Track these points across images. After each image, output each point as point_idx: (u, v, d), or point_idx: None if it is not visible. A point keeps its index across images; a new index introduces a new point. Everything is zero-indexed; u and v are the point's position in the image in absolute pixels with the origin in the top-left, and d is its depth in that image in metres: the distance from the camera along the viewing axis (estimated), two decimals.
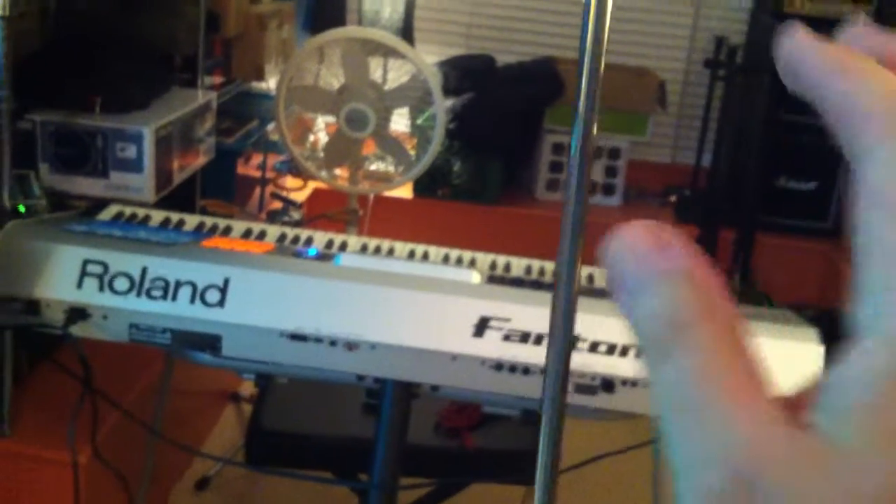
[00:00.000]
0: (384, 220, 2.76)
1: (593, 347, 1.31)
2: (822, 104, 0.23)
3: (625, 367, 1.30)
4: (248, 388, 2.42)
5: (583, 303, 1.39)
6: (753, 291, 2.31)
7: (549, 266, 1.60)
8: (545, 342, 1.30)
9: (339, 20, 3.47)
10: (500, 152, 3.35)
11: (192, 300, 1.30)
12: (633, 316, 0.23)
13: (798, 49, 0.23)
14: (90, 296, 1.30)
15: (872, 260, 0.20)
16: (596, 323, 1.31)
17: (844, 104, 0.22)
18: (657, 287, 0.22)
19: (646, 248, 0.23)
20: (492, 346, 1.31)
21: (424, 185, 3.29)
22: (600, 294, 1.50)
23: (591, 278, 1.59)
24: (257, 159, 2.85)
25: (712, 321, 0.22)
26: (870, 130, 0.21)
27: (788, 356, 1.27)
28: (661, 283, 0.22)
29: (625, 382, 1.30)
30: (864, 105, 0.22)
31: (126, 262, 1.31)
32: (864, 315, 0.20)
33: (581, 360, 1.30)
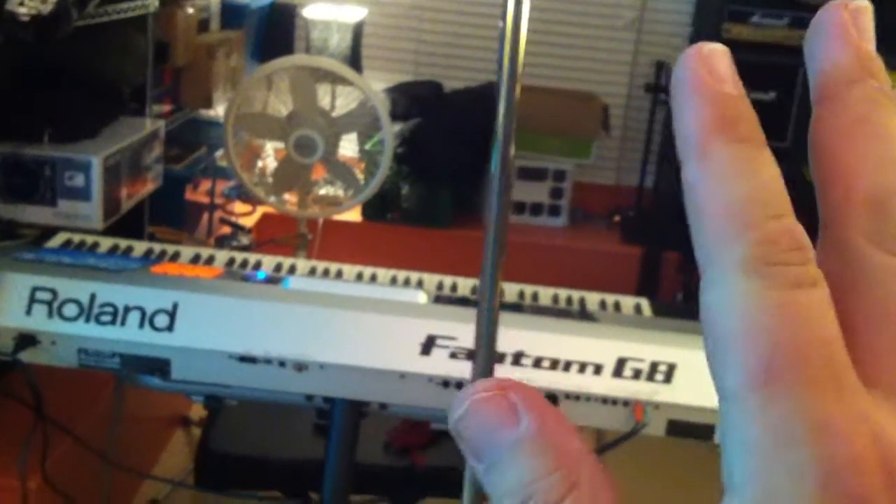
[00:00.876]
0: (334, 244, 2.78)
1: (537, 363, 1.35)
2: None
3: (567, 381, 1.34)
4: (197, 411, 2.42)
5: (527, 320, 1.43)
6: (694, 308, 2.36)
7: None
8: None
9: (287, 48, 3.50)
10: (448, 176, 3.39)
11: (141, 325, 1.31)
12: (492, 490, 0.21)
13: (677, 88, 0.22)
14: (39, 322, 1.31)
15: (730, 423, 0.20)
16: (539, 339, 1.35)
17: (691, 196, 0.21)
18: (511, 461, 0.21)
19: (492, 416, 0.21)
20: (439, 364, 1.34)
21: (374, 210, 3.32)
22: (542, 312, 1.54)
23: (535, 296, 1.63)
24: (206, 185, 2.86)
25: (576, 489, 0.21)
26: (715, 259, 0.20)
27: None
28: (513, 455, 0.21)
29: (568, 396, 1.34)
30: (711, 215, 0.21)
31: (75, 288, 1.33)
32: (728, 463, 0.20)
33: (525, 376, 1.34)
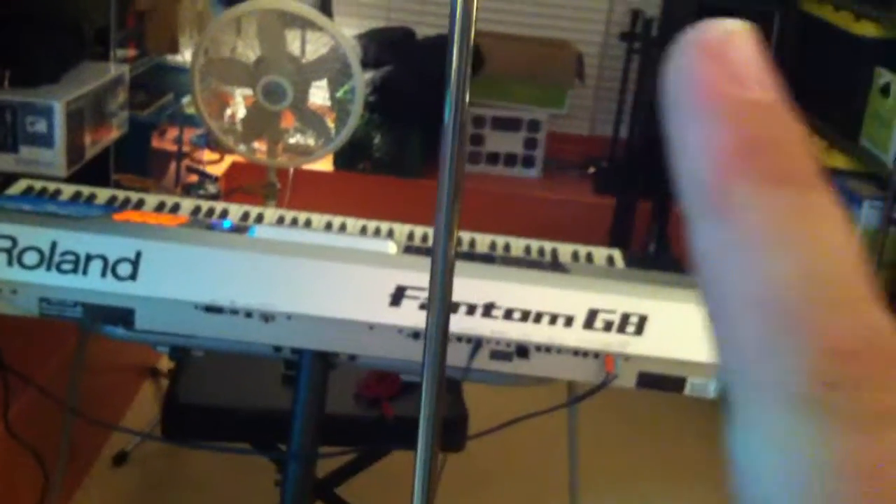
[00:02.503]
0: (305, 194, 2.75)
1: (508, 314, 1.33)
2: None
3: (538, 333, 1.32)
4: (166, 362, 2.40)
5: (498, 271, 1.41)
6: (667, 258, 2.36)
7: (467, 236, 1.62)
8: (460, 310, 1.32)
9: None
10: (420, 125, 3.35)
11: (104, 274, 1.28)
12: (683, 152, 0.15)
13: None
14: None
15: None
16: (510, 290, 1.34)
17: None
18: (731, 117, 0.14)
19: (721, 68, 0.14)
20: (409, 315, 1.32)
21: (345, 159, 3.28)
22: (514, 263, 1.52)
23: (507, 247, 1.61)
24: (173, 133, 2.81)
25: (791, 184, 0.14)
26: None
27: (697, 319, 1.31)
28: (738, 112, 0.14)
29: (538, 348, 1.33)
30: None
31: (35, 236, 1.30)
32: None
33: (495, 327, 1.33)
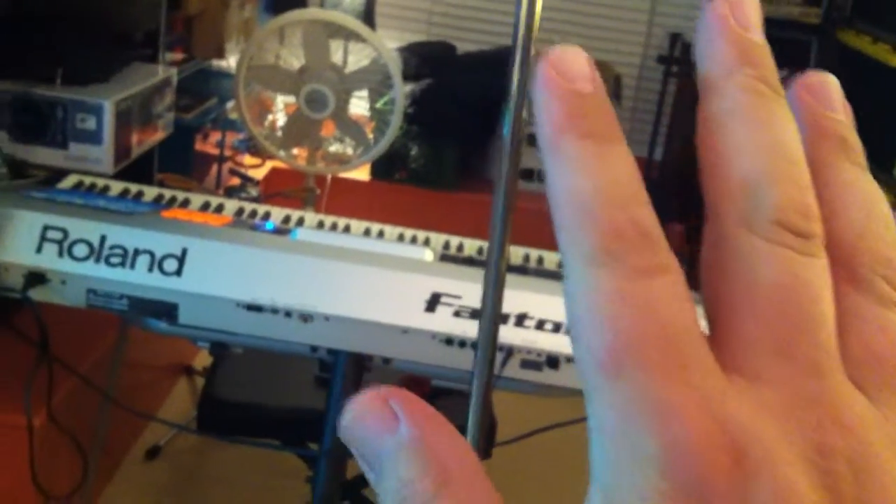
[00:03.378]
0: (341, 201, 2.79)
1: (540, 325, 1.36)
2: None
3: (569, 344, 1.34)
4: (201, 361, 2.44)
5: (530, 282, 1.44)
6: (697, 279, 2.37)
7: None
8: None
9: (300, 2, 3.48)
10: (457, 138, 3.39)
11: (150, 268, 1.32)
12: (381, 495, 0.22)
13: (532, 89, 0.22)
14: (49, 261, 1.32)
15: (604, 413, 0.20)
16: (542, 301, 1.36)
17: (547, 190, 0.21)
18: (391, 466, 0.21)
19: (374, 424, 0.22)
20: (443, 322, 1.35)
21: (382, 169, 3.32)
22: (547, 275, 1.55)
23: (540, 260, 1.64)
24: (215, 137, 2.86)
25: (446, 486, 0.21)
26: (567, 252, 0.21)
27: None
28: (393, 460, 0.21)
29: (569, 359, 1.35)
30: (560, 210, 0.21)
31: (86, 229, 1.34)
32: (593, 456, 0.20)
33: (528, 337, 1.35)
